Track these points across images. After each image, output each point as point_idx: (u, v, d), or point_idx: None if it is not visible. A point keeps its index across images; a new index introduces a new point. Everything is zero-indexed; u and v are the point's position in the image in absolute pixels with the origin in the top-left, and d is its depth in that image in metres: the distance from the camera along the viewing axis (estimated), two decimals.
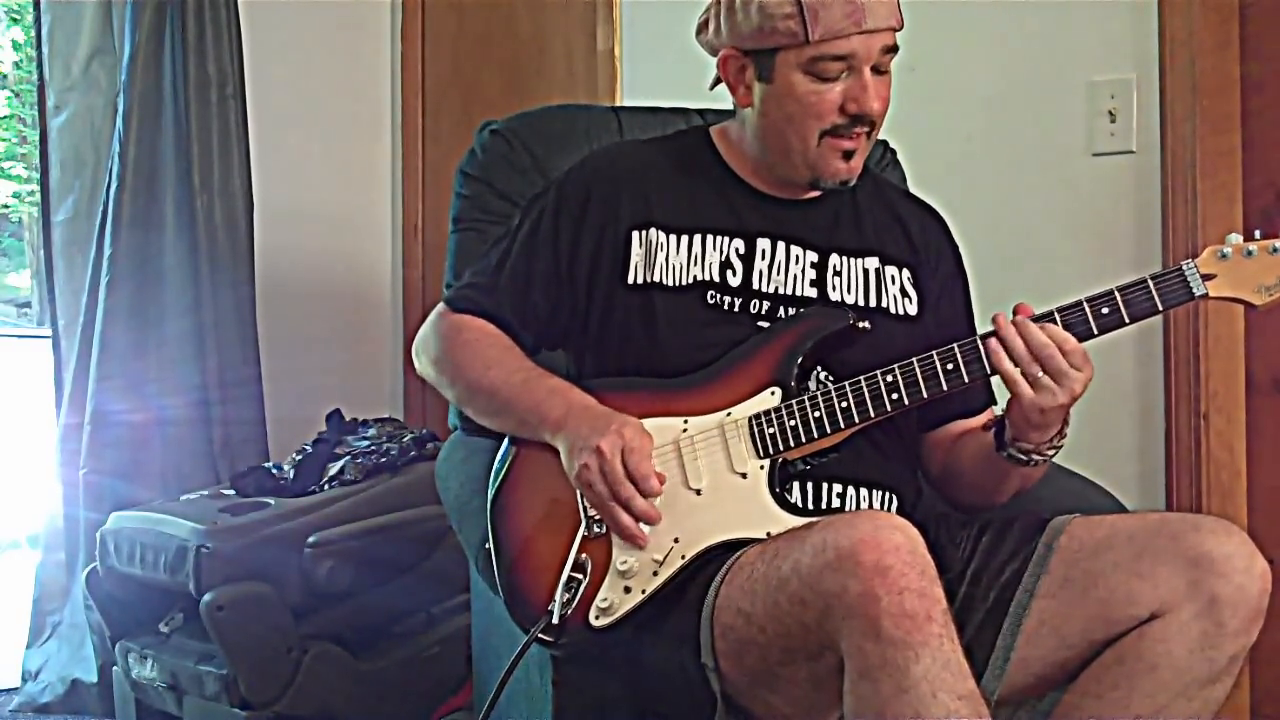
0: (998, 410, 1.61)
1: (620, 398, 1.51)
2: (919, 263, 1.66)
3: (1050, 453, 1.47)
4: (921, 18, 2.44)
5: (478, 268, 1.69)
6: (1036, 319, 1.41)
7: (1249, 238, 1.39)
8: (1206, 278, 1.38)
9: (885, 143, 2.05)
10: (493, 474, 1.57)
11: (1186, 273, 1.39)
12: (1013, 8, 2.44)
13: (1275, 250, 1.37)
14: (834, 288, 1.59)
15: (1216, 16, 2.23)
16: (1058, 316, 1.41)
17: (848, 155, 1.53)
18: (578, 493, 1.48)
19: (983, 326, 1.53)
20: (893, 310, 1.61)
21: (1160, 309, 1.39)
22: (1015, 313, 1.42)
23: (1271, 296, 1.38)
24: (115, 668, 2.52)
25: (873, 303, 1.60)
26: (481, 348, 1.61)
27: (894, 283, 1.63)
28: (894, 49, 1.51)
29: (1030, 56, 2.43)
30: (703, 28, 1.59)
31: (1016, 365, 1.39)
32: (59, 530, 2.85)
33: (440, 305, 1.70)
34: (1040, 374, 1.38)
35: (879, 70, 1.51)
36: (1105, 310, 1.40)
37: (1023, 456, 1.47)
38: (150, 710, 2.46)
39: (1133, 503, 1.91)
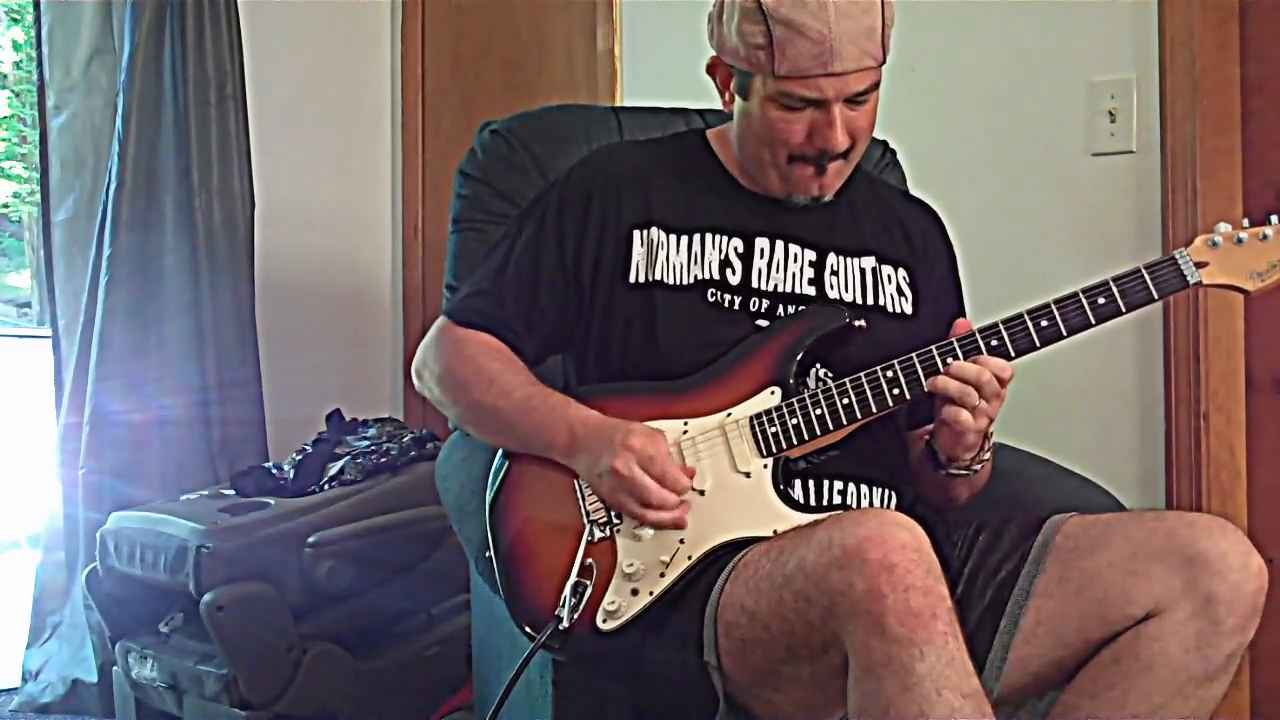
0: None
1: (619, 403, 1.51)
2: (915, 263, 1.67)
3: (987, 457, 1.51)
4: (921, 18, 2.46)
5: (478, 275, 1.66)
6: (1032, 312, 1.43)
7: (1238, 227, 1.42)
8: (1199, 265, 1.41)
9: (885, 143, 2.05)
10: (490, 477, 1.56)
11: (1180, 261, 1.41)
12: (1013, 8, 2.44)
13: (1265, 237, 1.40)
14: (832, 286, 1.60)
15: (1216, 16, 2.23)
16: (1055, 308, 1.43)
17: (820, 172, 1.55)
18: (579, 497, 1.48)
19: (978, 324, 1.53)
20: (889, 309, 1.62)
21: (1156, 297, 1.41)
22: (955, 329, 1.46)
23: (1263, 282, 1.41)
24: (115, 668, 2.52)
25: (870, 301, 1.61)
26: (482, 364, 1.58)
27: (890, 282, 1.64)
28: (874, 86, 1.50)
29: (1030, 56, 2.43)
30: (710, 19, 1.58)
31: (958, 401, 1.43)
32: (59, 530, 2.84)
33: (441, 319, 1.66)
34: (979, 401, 1.42)
35: (857, 101, 1.50)
36: (1101, 300, 1.42)
37: (960, 471, 1.51)
38: (150, 710, 2.46)
39: (1132, 502, 1.91)
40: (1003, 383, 1.43)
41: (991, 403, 1.43)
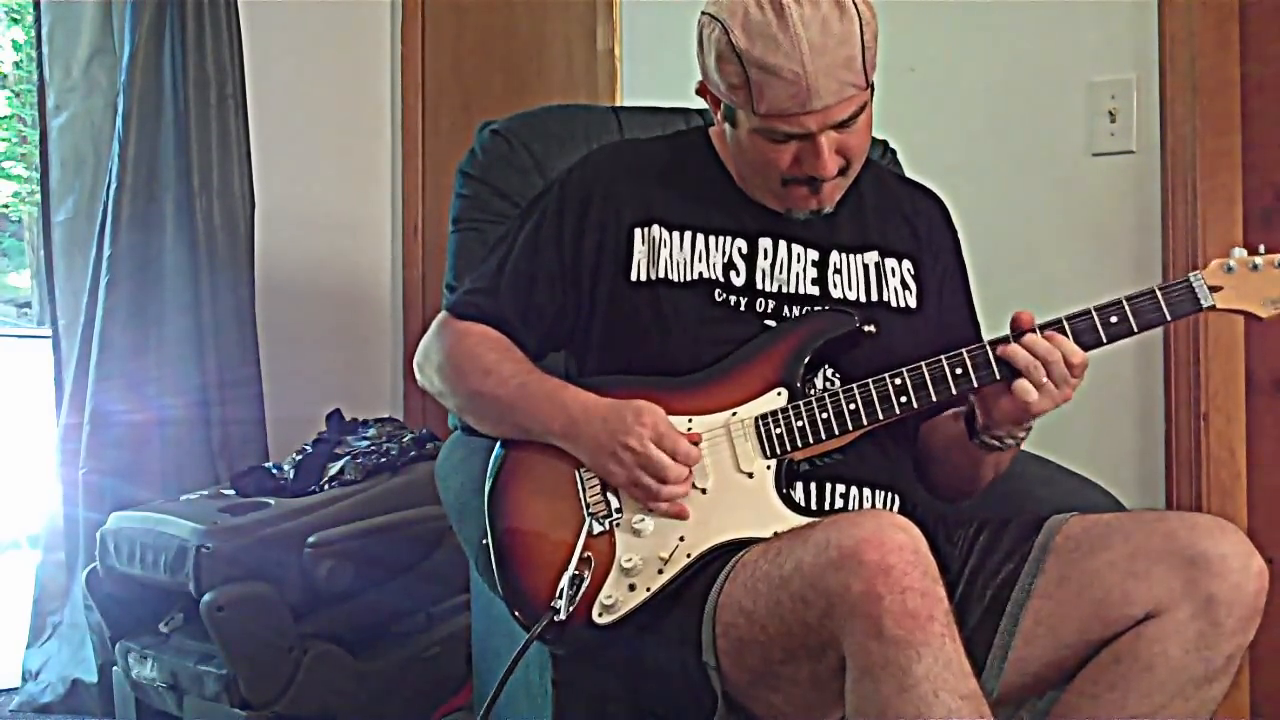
0: None
1: (622, 395, 1.50)
2: (921, 253, 1.66)
3: (1022, 435, 1.50)
4: (921, 18, 2.46)
5: (479, 272, 1.68)
6: (1047, 325, 1.43)
7: (1250, 243, 1.42)
8: (1213, 289, 1.41)
9: (885, 143, 2.05)
10: (488, 472, 1.56)
11: (1194, 284, 1.41)
12: (1013, 8, 2.44)
13: None
14: (835, 285, 1.60)
15: (1216, 16, 2.23)
16: (1066, 324, 1.42)
17: (815, 191, 1.54)
18: (580, 488, 1.48)
19: (985, 325, 1.53)
20: (893, 304, 1.62)
21: (1168, 319, 1.42)
22: (1014, 322, 1.44)
23: (1277, 309, 1.41)
24: (115, 668, 2.52)
25: (874, 297, 1.61)
26: (480, 353, 1.59)
27: (894, 275, 1.63)
28: (862, 108, 1.48)
29: (1030, 56, 2.43)
30: (696, 40, 1.57)
31: (1026, 373, 1.41)
32: (59, 530, 2.85)
33: (442, 313, 1.68)
34: (1045, 379, 1.40)
35: (845, 125, 1.48)
36: (1114, 319, 1.42)
37: (995, 443, 1.50)
38: (150, 710, 2.46)
39: (1132, 503, 1.91)
40: (1072, 368, 1.41)
41: (1060, 387, 1.41)
